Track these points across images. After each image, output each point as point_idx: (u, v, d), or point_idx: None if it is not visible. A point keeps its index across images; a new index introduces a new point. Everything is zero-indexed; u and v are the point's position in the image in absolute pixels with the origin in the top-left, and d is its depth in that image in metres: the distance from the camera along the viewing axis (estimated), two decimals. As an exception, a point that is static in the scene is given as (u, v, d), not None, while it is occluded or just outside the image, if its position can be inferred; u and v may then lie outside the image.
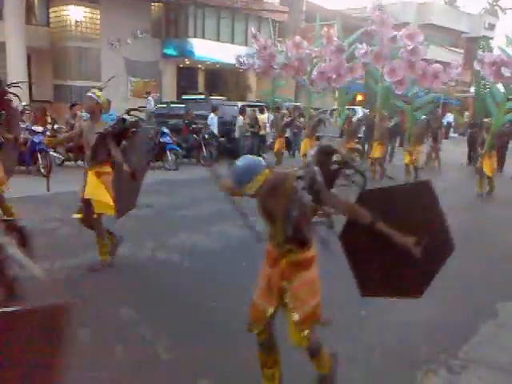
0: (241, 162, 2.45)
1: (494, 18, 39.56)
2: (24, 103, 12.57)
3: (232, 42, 23.38)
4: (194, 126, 12.41)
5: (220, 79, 24.24)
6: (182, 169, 11.13)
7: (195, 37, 22.41)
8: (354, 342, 3.59)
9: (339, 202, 2.55)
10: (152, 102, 17.39)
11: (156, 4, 22.24)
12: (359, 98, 29.80)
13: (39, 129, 10.22)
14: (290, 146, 15.29)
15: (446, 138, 24.20)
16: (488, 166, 9.37)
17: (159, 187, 9.28)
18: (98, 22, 19.17)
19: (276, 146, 12.27)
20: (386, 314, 4.10)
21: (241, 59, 13.77)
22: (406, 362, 3.34)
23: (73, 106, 13.73)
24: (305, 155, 12.06)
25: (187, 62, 23.30)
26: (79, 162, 11.15)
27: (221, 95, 17.74)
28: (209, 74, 24.68)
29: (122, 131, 4.76)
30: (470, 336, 3.71)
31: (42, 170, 9.80)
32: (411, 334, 3.78)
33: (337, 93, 15.58)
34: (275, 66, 12.56)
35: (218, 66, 23.49)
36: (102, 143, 4.66)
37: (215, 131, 12.92)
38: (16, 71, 16.32)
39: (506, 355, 3.46)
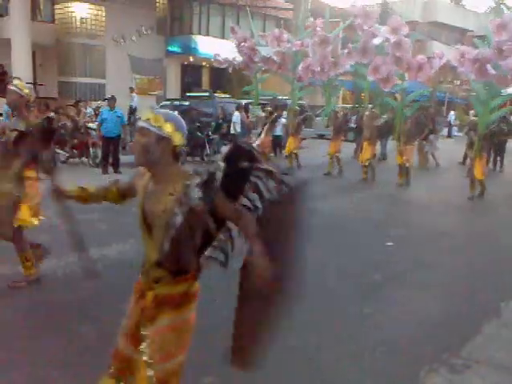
0: None
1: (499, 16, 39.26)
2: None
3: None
4: (197, 123, 12.42)
5: (224, 76, 24.22)
6: (186, 166, 11.12)
7: (200, 34, 22.39)
8: (357, 339, 3.59)
9: (230, 207, 1.96)
10: (135, 99, 17.17)
11: (161, 1, 22.23)
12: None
13: (43, 125, 10.22)
14: (278, 145, 14.04)
15: (449, 136, 24.08)
16: (478, 169, 8.85)
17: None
18: (103, 19, 19.19)
19: (290, 146, 11.89)
20: (389, 312, 4.09)
21: (218, 57, 13.22)
22: (408, 360, 3.33)
23: (78, 102, 13.75)
24: (290, 155, 11.80)
25: (191, 60, 23.29)
26: (83, 159, 11.19)
27: (225, 93, 17.73)
28: (213, 72, 24.64)
29: (45, 132, 4.03)
30: (473, 335, 3.70)
31: (47, 167, 9.82)
32: (414, 332, 3.76)
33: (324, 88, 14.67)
34: (256, 60, 11.95)
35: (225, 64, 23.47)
36: (21, 143, 4.00)
37: (238, 129, 12.90)
38: (21, 68, 16.36)
39: (509, 355, 3.45)
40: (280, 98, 14.81)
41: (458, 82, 23.20)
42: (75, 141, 11.20)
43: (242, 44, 12.16)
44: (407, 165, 10.01)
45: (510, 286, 4.83)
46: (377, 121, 10.57)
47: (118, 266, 4.88)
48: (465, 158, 14.39)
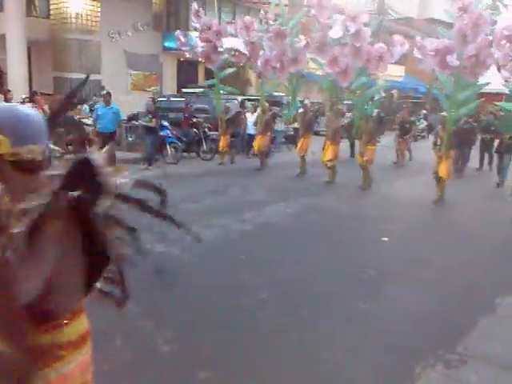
0: None
1: (496, 14, 39.41)
2: (24, 95, 12.54)
3: (233, 35, 23.26)
4: (194, 119, 12.38)
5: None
6: (182, 163, 11.11)
7: (196, 30, 22.28)
8: (353, 336, 3.60)
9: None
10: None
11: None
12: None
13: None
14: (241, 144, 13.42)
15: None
16: (444, 169, 8.14)
17: (159, 181, 9.29)
18: (99, 14, 19.06)
19: (220, 144, 11.41)
20: (386, 308, 4.11)
21: (181, 37, 11.44)
22: (404, 355, 3.35)
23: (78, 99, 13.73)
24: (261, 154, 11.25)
25: (188, 56, 23.18)
26: (79, 155, 11.14)
27: (223, 89, 17.66)
28: (209, 68, 24.57)
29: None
30: (468, 331, 3.73)
31: (42, 163, 9.78)
32: (410, 328, 3.79)
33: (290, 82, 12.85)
34: (221, 49, 10.67)
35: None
36: None
37: (252, 131, 12.63)
38: (16, 63, 16.25)
39: (505, 350, 3.47)
40: (276, 94, 14.80)
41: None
42: (70, 137, 11.14)
43: (206, 31, 10.66)
44: (368, 166, 9.25)
45: (504, 281, 4.86)
46: (340, 119, 9.76)
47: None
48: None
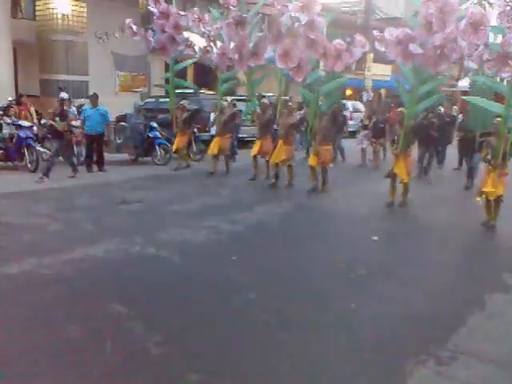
0: None
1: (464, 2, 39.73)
2: (10, 98, 12.40)
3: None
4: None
5: (209, 73, 24.09)
6: (172, 164, 11.06)
7: (185, 30, 22.20)
8: (344, 334, 3.61)
9: None
10: (64, 95, 16.94)
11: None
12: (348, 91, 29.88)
13: (26, 123, 10.07)
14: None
15: None
16: (402, 168, 7.46)
17: (148, 182, 9.23)
18: (85, 15, 18.92)
19: (175, 146, 10.66)
20: (376, 306, 4.12)
21: (132, 25, 10.27)
22: (395, 353, 3.36)
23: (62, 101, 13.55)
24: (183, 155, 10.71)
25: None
26: (67, 157, 11.04)
27: (210, 90, 17.63)
28: (198, 69, 24.52)
29: None
30: (458, 327, 3.75)
31: (29, 166, 9.68)
32: (400, 325, 3.80)
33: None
34: (179, 41, 9.72)
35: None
36: None
37: None
38: (2, 65, 16.05)
39: (494, 346, 3.50)
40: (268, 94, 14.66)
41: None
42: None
43: (163, 21, 9.64)
44: (324, 166, 8.58)
45: (493, 278, 4.90)
46: (292, 117, 9.03)
47: (103, 265, 4.83)
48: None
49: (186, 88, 13.58)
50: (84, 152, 10.44)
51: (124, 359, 3.16)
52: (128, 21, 10.51)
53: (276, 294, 4.31)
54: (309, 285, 4.58)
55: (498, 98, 7.29)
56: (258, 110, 9.62)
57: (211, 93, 16.28)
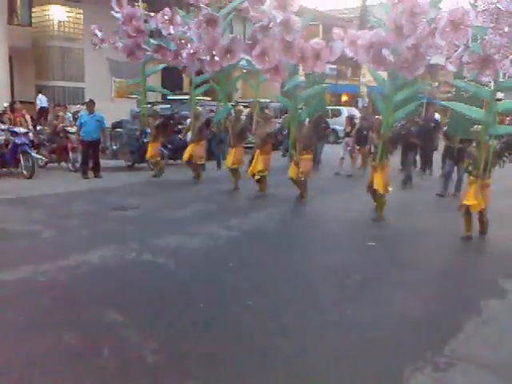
0: None
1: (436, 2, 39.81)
2: (5, 104, 12.38)
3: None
4: (179, 126, 12.32)
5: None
6: (168, 170, 11.05)
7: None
8: (341, 340, 3.60)
9: None
10: (43, 99, 17.00)
11: (139, 4, 22.03)
12: (344, 98, 30.02)
13: (21, 130, 10.05)
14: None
15: None
16: (380, 180, 7.02)
17: (144, 188, 9.21)
18: (81, 21, 18.95)
19: (148, 153, 10.30)
20: (372, 312, 4.12)
21: (97, 32, 9.85)
22: (392, 359, 3.35)
23: (57, 106, 13.57)
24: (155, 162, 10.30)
25: (172, 62, 23.08)
26: (62, 164, 11.03)
27: (206, 95, 17.66)
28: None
29: None
30: (455, 333, 3.74)
31: (25, 172, 9.66)
32: (397, 331, 3.79)
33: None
34: (145, 46, 9.14)
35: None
36: None
37: None
38: (-2, 72, 16.06)
39: (491, 352, 3.50)
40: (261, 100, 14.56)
41: (437, 84, 23.60)
42: (54, 145, 11.03)
43: (128, 24, 9.04)
44: (302, 178, 8.04)
45: (489, 284, 4.91)
46: (270, 125, 8.60)
47: (99, 272, 4.81)
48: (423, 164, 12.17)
49: (181, 94, 13.56)
50: (80, 158, 10.42)
51: (120, 367, 3.14)
52: (93, 27, 10.20)
53: (273, 299, 4.30)
54: (305, 290, 4.57)
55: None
56: (232, 116, 9.25)
57: (207, 99, 16.32)
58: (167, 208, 7.64)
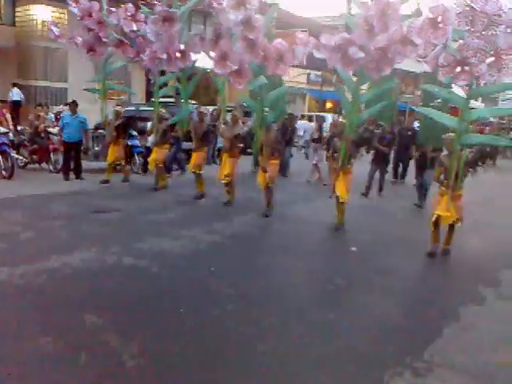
0: None
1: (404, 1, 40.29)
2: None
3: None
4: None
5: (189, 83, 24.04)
6: (151, 172, 10.96)
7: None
8: (322, 345, 3.60)
9: None
10: (15, 92, 16.79)
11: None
12: (328, 104, 30.25)
13: (1, 129, 9.87)
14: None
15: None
16: (341, 185, 6.72)
17: (126, 191, 9.12)
18: (66, 22, 18.77)
19: (109, 157, 9.79)
20: (354, 317, 4.14)
21: (53, 27, 9.25)
22: (372, 365, 3.37)
23: (38, 106, 13.39)
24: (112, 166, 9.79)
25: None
26: (43, 165, 10.87)
27: (191, 99, 17.62)
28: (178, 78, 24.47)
29: None
30: (434, 339, 3.79)
31: (4, 173, 9.49)
32: (377, 337, 3.81)
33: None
34: (106, 40, 8.52)
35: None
36: None
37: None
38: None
39: (470, 357, 3.54)
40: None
41: (419, 93, 23.97)
42: (35, 146, 10.87)
43: (87, 18, 8.44)
44: (270, 184, 7.64)
45: (467, 290, 4.98)
46: (238, 128, 8.17)
47: (79, 275, 4.74)
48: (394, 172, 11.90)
49: (167, 97, 13.36)
50: (61, 160, 10.28)
51: (99, 372, 3.09)
52: (49, 22, 9.74)
53: (254, 304, 4.29)
54: (287, 295, 4.57)
55: (455, 111, 6.65)
56: (195, 118, 8.77)
57: (193, 102, 16.25)
58: (150, 211, 7.58)
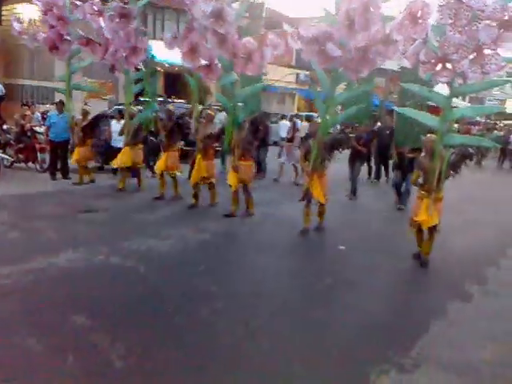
0: None
1: None
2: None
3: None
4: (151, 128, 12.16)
5: (179, 82, 24.00)
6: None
7: (154, 39, 22.15)
8: (308, 345, 3.61)
9: None
10: None
11: None
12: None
13: (-14, 129, 9.75)
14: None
15: None
16: (318, 188, 6.44)
17: (113, 190, 9.05)
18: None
19: (75, 157, 9.34)
20: (341, 315, 4.16)
21: (16, 23, 8.50)
22: (359, 362, 3.39)
23: (24, 105, 13.24)
24: (83, 168, 9.40)
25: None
26: (30, 164, 10.75)
27: (180, 98, 17.55)
28: (168, 77, 24.40)
29: None
30: (421, 335, 3.82)
31: (-10, 172, 9.36)
32: (365, 334, 3.84)
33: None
34: (69, 38, 8.03)
35: (176, 68, 23.27)
36: None
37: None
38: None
39: (456, 353, 3.58)
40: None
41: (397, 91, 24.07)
42: (21, 145, 10.75)
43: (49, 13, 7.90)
44: (248, 186, 7.35)
45: (454, 287, 5.03)
46: (211, 126, 7.75)
47: (66, 275, 4.70)
48: (377, 171, 11.99)
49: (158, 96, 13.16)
50: (48, 159, 10.18)
51: (87, 372, 3.07)
52: (12, 17, 9.18)
53: (243, 304, 4.29)
54: (276, 295, 4.58)
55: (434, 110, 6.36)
56: (164, 117, 8.36)
57: (181, 101, 16.23)
58: (136, 210, 7.54)
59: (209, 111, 8.05)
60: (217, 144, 8.29)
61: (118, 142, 9.86)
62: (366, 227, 7.46)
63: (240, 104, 7.44)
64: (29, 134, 10.68)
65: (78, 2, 7.79)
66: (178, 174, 8.38)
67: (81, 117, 9.37)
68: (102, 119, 10.22)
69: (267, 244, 6.23)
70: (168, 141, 8.26)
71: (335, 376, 3.24)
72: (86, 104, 11.21)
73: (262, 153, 11.18)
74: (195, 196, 7.90)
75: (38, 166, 10.52)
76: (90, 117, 9.54)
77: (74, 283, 4.54)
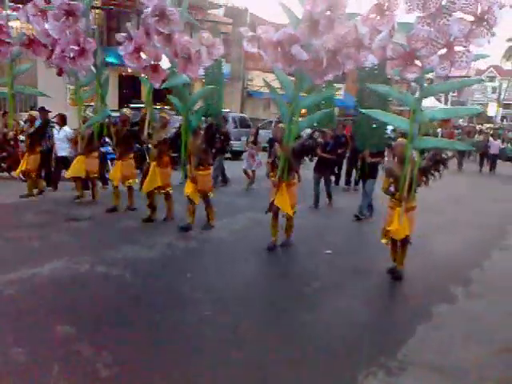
0: None
1: None
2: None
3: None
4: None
5: (164, 88, 23.93)
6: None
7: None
8: (296, 348, 3.62)
9: None
10: None
11: (97, 11, 21.71)
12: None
13: (-32, 137, 9.59)
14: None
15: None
16: (284, 199, 5.89)
17: (99, 199, 8.97)
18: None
19: (21, 167, 8.77)
20: (328, 318, 4.18)
21: None
22: (347, 365, 3.42)
23: (5, 114, 13.07)
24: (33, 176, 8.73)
25: (130, 71, 22.80)
26: (13, 173, 10.60)
27: (165, 104, 17.51)
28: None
29: None
30: (407, 338, 3.86)
31: (-28, 181, 9.20)
32: (352, 337, 3.86)
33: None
34: (10, 41, 7.52)
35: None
36: None
37: None
38: None
39: (442, 356, 3.62)
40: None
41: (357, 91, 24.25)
42: (4, 154, 10.61)
43: None
44: (207, 195, 6.85)
45: (438, 289, 5.09)
46: (166, 131, 7.15)
47: (50, 285, 4.64)
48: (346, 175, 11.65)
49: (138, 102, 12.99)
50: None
51: (72, 382, 3.03)
52: None
53: (231, 310, 4.28)
54: (264, 299, 4.58)
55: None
56: (117, 122, 7.84)
57: (166, 107, 16.15)
58: (121, 218, 7.47)
59: (163, 115, 7.41)
60: (171, 151, 7.44)
61: (62, 150, 9.49)
62: (347, 232, 7.52)
63: (194, 108, 6.99)
64: (11, 142, 10.54)
65: (20, 5, 7.39)
66: (133, 184, 7.89)
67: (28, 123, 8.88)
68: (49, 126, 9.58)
69: (253, 250, 6.22)
70: (121, 148, 7.71)
71: (323, 378, 3.25)
72: (31, 109, 10.61)
73: (218, 161, 10.63)
74: (151, 207, 7.27)
75: (21, 175, 10.38)
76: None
77: (58, 293, 4.49)
